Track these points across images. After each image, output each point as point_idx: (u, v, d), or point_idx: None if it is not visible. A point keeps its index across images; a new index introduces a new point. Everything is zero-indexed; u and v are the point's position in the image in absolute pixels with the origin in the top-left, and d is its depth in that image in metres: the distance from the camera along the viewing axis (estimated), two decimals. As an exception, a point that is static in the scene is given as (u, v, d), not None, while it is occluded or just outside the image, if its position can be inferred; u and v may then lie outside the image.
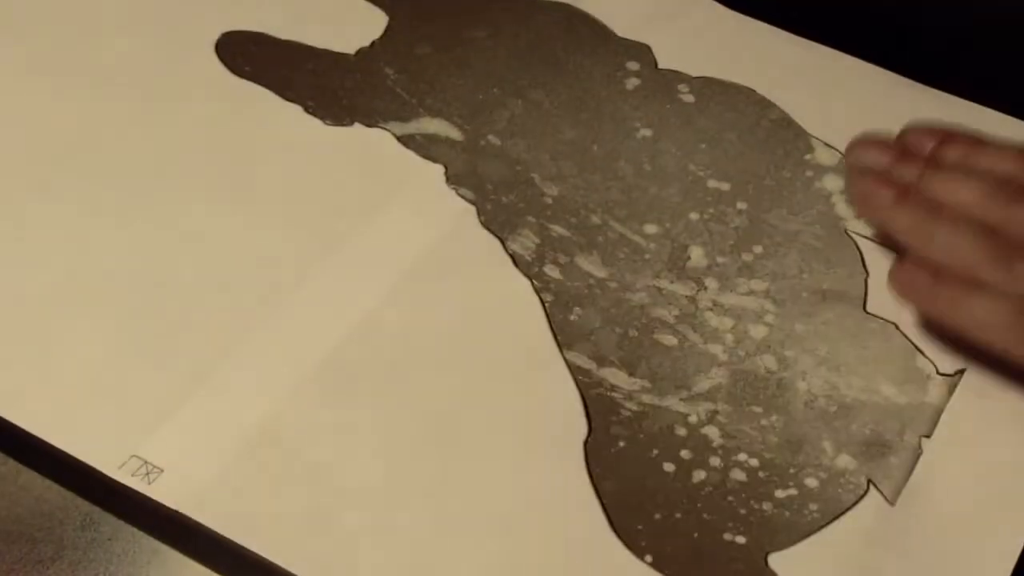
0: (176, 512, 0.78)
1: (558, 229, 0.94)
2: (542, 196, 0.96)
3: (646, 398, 0.84)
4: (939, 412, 0.84)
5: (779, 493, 0.80)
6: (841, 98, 1.03)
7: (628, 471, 0.81)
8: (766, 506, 0.80)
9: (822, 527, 0.79)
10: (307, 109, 1.01)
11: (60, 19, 1.06)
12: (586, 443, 0.82)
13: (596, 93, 1.03)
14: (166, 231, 0.92)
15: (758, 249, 0.93)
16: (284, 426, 0.82)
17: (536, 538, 0.78)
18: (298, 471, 0.80)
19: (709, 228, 0.94)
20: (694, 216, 0.95)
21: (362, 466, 0.81)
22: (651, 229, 0.94)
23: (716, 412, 0.84)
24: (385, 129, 1.00)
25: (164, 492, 0.79)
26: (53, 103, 1.00)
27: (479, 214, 0.94)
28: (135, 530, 0.78)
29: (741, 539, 0.78)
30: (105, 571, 0.77)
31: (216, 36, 1.06)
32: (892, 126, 0.96)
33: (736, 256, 0.92)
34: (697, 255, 0.92)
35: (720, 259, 0.92)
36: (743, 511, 0.79)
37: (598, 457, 0.82)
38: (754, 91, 1.03)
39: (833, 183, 0.97)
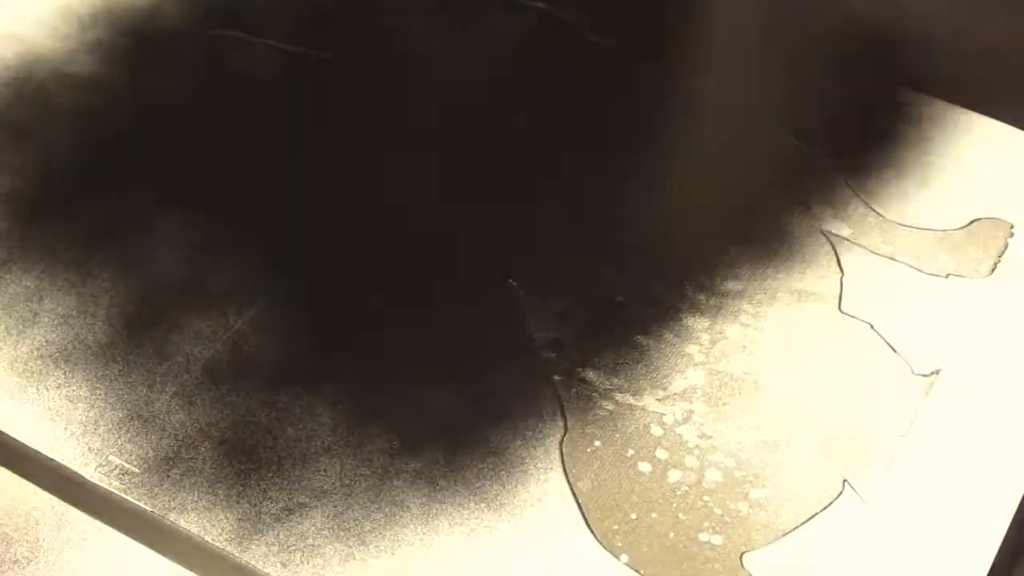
0: (152, 513, 0.78)
1: (535, 228, 0.94)
2: (519, 195, 0.96)
3: (622, 397, 0.85)
4: (914, 412, 0.84)
5: (755, 493, 0.80)
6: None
7: (604, 471, 0.81)
8: (742, 506, 0.80)
9: (798, 527, 0.79)
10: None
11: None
12: (562, 442, 0.82)
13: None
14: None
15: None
16: (261, 426, 0.82)
17: (512, 537, 0.78)
18: (275, 471, 0.80)
19: (685, 228, 0.94)
20: (671, 216, 0.95)
21: (336, 465, 0.80)
22: (628, 228, 0.94)
23: (692, 412, 0.84)
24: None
25: (140, 493, 0.79)
26: None
27: (456, 213, 0.95)
28: (111, 531, 0.78)
29: (717, 539, 0.79)
30: (81, 572, 0.76)
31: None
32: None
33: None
34: (673, 254, 0.93)
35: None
36: (719, 511, 0.80)
37: (574, 457, 0.82)
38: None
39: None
